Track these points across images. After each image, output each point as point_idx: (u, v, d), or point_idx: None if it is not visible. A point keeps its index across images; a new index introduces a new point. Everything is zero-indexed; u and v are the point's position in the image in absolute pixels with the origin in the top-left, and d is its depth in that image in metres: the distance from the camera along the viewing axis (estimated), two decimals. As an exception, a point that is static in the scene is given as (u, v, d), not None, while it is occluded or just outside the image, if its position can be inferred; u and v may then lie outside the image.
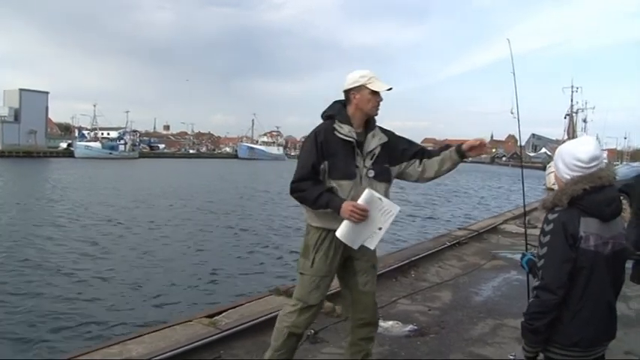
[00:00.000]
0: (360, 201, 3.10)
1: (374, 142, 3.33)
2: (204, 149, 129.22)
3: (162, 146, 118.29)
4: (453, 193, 38.55)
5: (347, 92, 3.34)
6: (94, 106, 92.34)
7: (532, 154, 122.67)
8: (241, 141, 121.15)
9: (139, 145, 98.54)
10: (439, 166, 3.41)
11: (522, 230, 7.33)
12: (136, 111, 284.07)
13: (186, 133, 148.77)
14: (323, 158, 3.24)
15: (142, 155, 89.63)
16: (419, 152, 3.47)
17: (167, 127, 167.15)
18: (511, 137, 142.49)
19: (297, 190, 3.28)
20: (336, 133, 3.27)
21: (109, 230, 16.84)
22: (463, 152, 3.36)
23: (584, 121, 64.37)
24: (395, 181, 3.49)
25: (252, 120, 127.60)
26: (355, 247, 3.21)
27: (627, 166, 21.53)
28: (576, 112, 59.08)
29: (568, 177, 2.44)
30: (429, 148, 3.54)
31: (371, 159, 3.30)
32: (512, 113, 3.38)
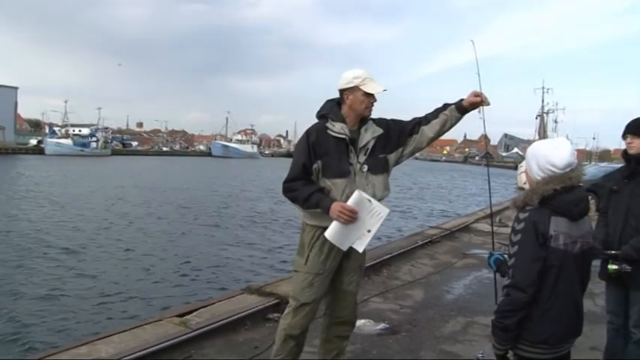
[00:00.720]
0: (350, 202, 3.11)
1: (367, 136, 3.33)
2: (177, 147, 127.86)
3: (135, 143, 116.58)
4: (427, 192, 38.87)
5: (341, 92, 3.35)
6: (65, 102, 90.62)
7: (504, 154, 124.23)
8: (215, 139, 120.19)
9: (112, 142, 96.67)
10: (440, 126, 3.43)
11: (494, 229, 7.44)
12: (109, 108, 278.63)
13: (159, 131, 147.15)
14: (316, 158, 3.25)
15: (115, 152, 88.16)
16: (415, 127, 3.46)
17: (140, 125, 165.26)
18: (484, 137, 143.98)
19: (289, 190, 3.30)
20: (328, 131, 3.27)
21: (81, 227, 16.56)
22: (464, 108, 3.37)
23: (555, 121, 65.49)
24: None
25: (227, 118, 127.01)
26: (344, 248, 3.22)
27: (595, 167, 22.00)
28: (547, 113, 60.13)
29: (539, 178, 2.46)
30: (426, 114, 3.50)
31: (365, 154, 3.31)
32: (478, 112, 3.40)
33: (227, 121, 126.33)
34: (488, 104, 3.31)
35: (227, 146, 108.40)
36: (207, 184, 36.99)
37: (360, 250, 3.25)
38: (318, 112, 3.41)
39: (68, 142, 79.51)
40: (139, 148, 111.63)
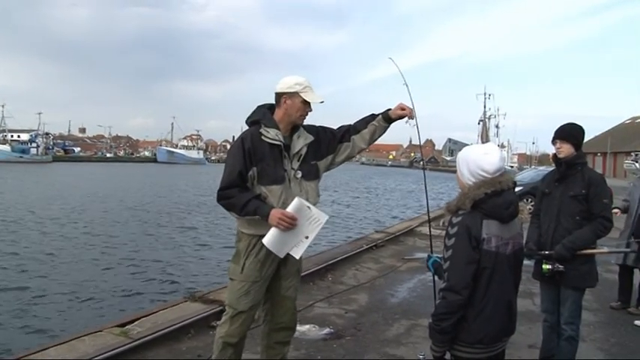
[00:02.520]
0: (289, 209, 3.11)
1: (299, 143, 3.34)
2: (121, 153, 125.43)
3: (77, 150, 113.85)
4: (374, 195, 39.19)
5: (279, 95, 3.33)
6: (3, 106, 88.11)
7: (449, 158, 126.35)
8: (161, 145, 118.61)
9: (53, 148, 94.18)
10: (370, 136, 3.54)
11: (437, 232, 7.58)
12: (50, 112, 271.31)
13: (103, 136, 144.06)
14: (251, 164, 3.22)
15: (56, 159, 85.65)
16: (345, 135, 3.54)
17: (83, 130, 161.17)
18: (429, 142, 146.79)
19: (224, 197, 3.26)
20: (263, 138, 3.25)
21: (16, 235, 15.90)
22: (390, 118, 3.47)
23: (497, 126, 67.46)
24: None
25: (172, 123, 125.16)
26: (281, 255, 3.22)
27: (535, 170, 22.72)
28: (489, 118, 61.94)
29: (471, 183, 2.53)
30: (354, 123, 3.59)
31: (298, 160, 3.33)
32: (405, 123, 3.48)
33: (172, 127, 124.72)
34: (413, 118, 3.41)
35: (172, 152, 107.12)
36: (153, 191, 36.24)
37: (298, 257, 3.27)
38: (249, 118, 3.39)
39: (6, 148, 77.32)
40: (81, 154, 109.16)
